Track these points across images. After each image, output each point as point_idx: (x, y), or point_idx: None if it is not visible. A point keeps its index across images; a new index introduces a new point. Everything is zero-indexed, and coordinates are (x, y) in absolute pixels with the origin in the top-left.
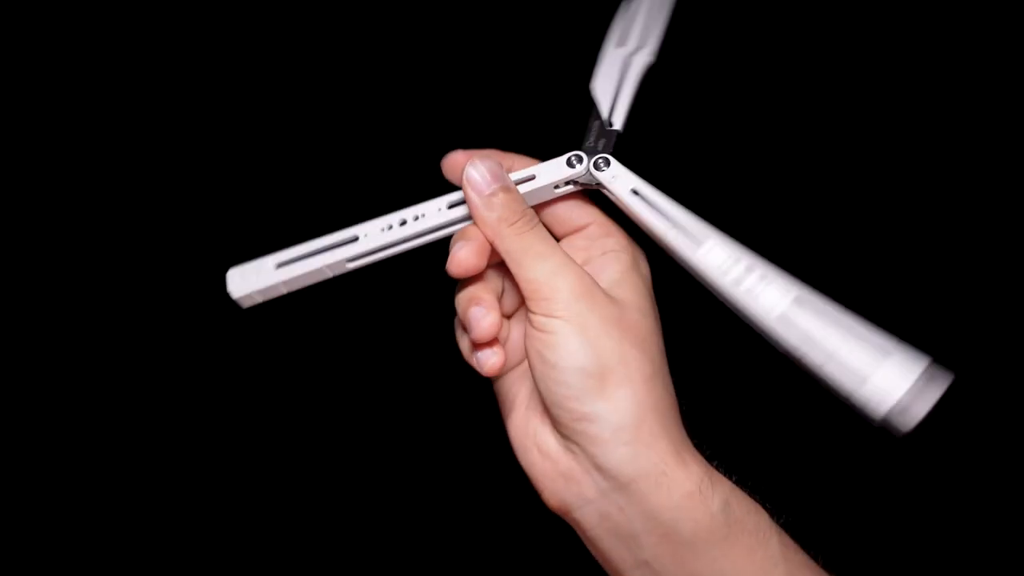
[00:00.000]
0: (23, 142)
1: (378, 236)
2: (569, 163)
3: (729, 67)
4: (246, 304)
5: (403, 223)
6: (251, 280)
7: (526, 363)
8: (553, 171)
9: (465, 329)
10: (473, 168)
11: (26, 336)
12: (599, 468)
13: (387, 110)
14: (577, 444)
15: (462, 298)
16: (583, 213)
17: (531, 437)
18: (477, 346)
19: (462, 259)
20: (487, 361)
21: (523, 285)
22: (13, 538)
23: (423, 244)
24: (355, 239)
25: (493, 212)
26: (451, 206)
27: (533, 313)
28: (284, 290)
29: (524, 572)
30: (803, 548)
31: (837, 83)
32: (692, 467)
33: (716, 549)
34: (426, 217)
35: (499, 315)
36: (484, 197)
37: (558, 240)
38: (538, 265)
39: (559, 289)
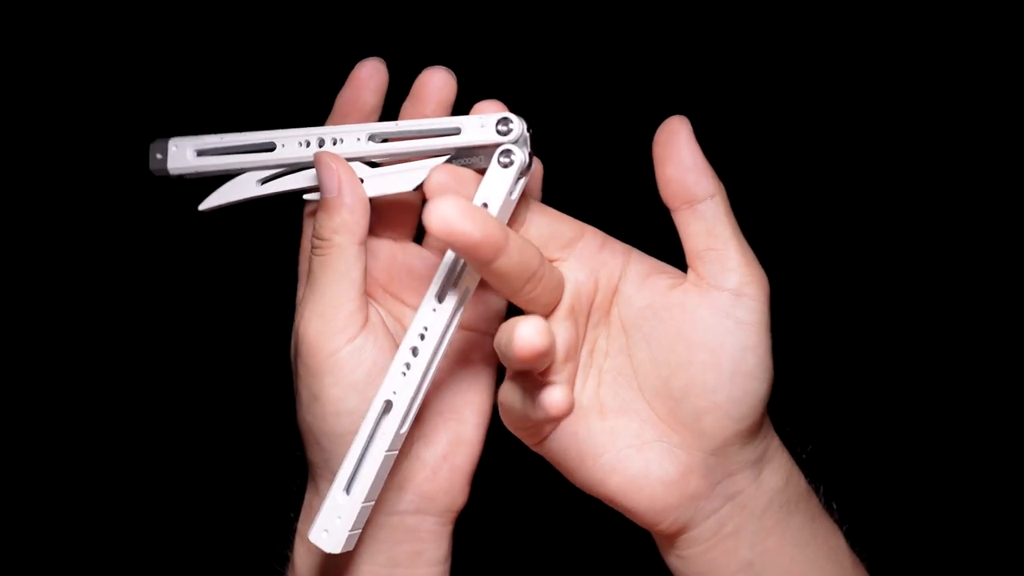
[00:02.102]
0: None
1: (406, 385)
2: (502, 163)
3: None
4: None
5: (415, 352)
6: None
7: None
8: (497, 184)
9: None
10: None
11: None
12: (734, 472)
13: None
14: (723, 455)
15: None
16: (565, 224)
17: (650, 474)
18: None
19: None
20: (556, 400)
21: (694, 242)
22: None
23: None
24: (389, 406)
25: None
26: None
27: (721, 271)
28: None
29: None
30: None
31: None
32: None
33: (811, 509)
34: (431, 330)
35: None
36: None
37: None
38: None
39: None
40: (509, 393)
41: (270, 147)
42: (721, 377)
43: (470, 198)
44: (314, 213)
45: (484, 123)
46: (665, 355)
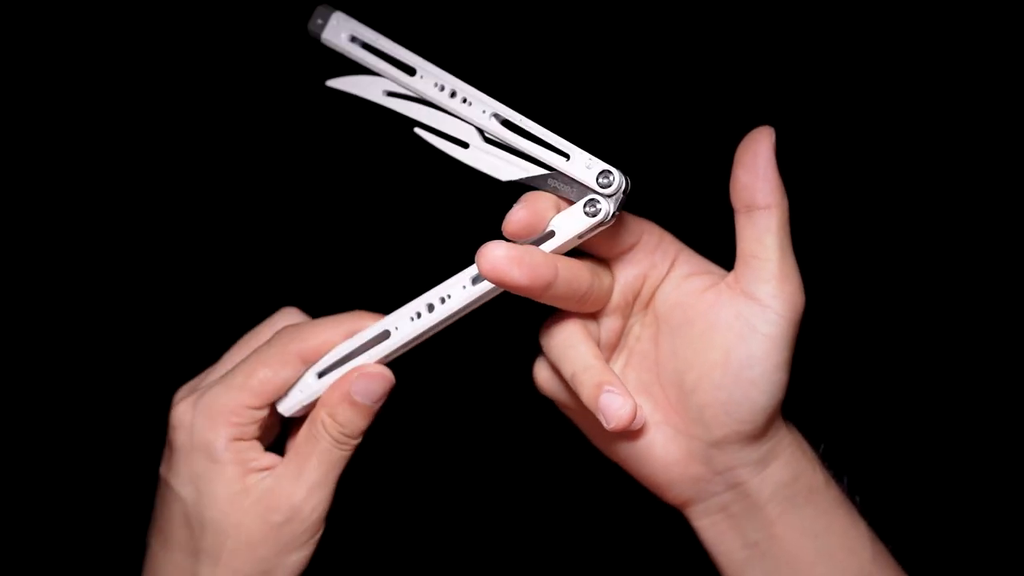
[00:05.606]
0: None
1: (408, 327)
2: (586, 211)
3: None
4: (287, 412)
5: (431, 308)
6: (295, 396)
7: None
8: (571, 224)
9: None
10: None
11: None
12: (736, 466)
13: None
14: (723, 450)
15: (584, 379)
16: (627, 227)
17: (653, 451)
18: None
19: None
20: (618, 411)
21: (745, 247)
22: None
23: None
24: (387, 335)
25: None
26: (476, 280)
27: (755, 280)
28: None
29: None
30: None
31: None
32: (794, 432)
33: (824, 502)
34: (452, 299)
35: (635, 401)
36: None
37: (609, 262)
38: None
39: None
40: (549, 380)
41: (410, 71)
42: (727, 377)
43: (544, 224)
44: None
45: (590, 165)
46: (685, 350)
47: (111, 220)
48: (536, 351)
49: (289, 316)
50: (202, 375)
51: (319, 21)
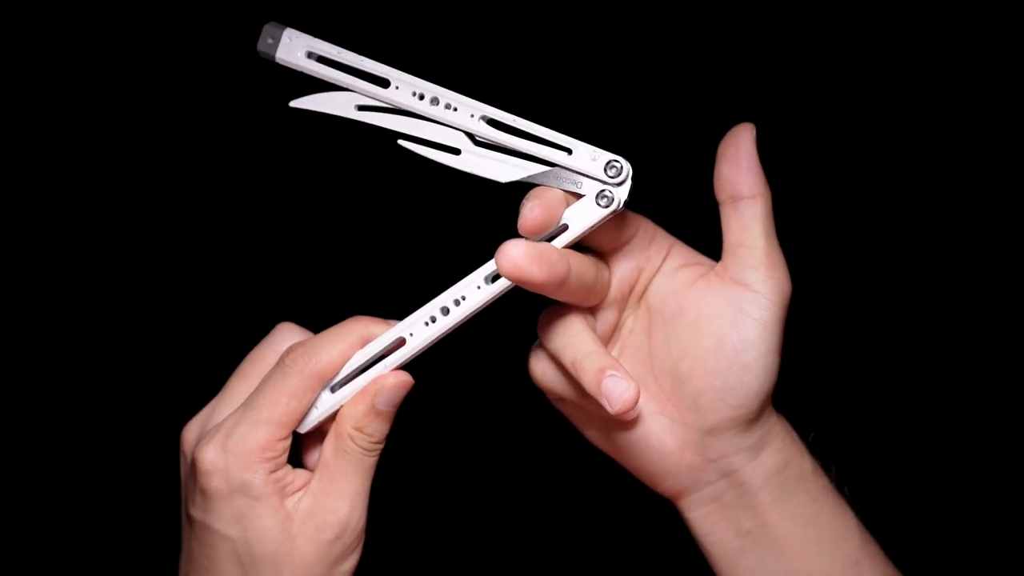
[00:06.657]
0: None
1: (424, 332)
2: (599, 203)
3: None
4: (304, 429)
5: (446, 311)
6: (312, 414)
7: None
8: (585, 216)
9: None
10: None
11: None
12: (730, 454)
13: None
14: (718, 437)
15: (586, 365)
16: (624, 221)
17: (649, 441)
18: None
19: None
20: (623, 394)
21: (732, 236)
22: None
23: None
24: (402, 342)
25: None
26: (490, 279)
27: (743, 267)
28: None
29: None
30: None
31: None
32: (784, 421)
33: (814, 488)
34: (467, 300)
35: (637, 384)
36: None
37: (606, 256)
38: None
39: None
40: (546, 371)
41: (383, 83)
42: (720, 363)
43: (557, 219)
44: None
45: (596, 157)
46: (678, 339)
47: (96, 233)
48: (527, 346)
49: (288, 333)
50: (208, 408)
51: (269, 41)
